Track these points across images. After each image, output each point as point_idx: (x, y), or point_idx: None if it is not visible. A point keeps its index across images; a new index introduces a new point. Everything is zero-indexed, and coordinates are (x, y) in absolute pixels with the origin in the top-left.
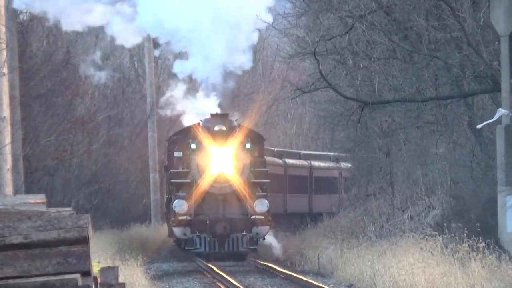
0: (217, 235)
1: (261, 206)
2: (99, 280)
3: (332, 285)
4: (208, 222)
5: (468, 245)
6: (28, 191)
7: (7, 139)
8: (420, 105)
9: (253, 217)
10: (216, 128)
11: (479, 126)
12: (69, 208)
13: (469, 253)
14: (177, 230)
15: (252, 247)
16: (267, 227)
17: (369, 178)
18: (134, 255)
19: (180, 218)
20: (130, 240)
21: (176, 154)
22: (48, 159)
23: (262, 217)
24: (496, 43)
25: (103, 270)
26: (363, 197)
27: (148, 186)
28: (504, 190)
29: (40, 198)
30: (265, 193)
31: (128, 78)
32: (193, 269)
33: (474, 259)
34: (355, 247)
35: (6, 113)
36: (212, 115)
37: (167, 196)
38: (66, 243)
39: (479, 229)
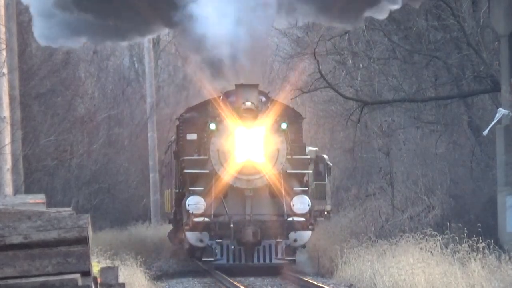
0: (244, 242)
1: (301, 205)
2: (99, 280)
3: (332, 285)
4: (232, 226)
5: (468, 245)
6: (28, 191)
7: (7, 139)
8: (420, 105)
9: (290, 219)
10: (243, 102)
11: (485, 132)
12: (69, 208)
13: (469, 253)
14: (191, 236)
15: (289, 258)
16: (308, 233)
17: (369, 178)
18: (134, 255)
19: (195, 220)
20: (130, 240)
21: (189, 136)
22: (48, 159)
23: (302, 219)
24: (496, 43)
25: (103, 270)
26: (362, 197)
27: (148, 186)
28: (503, 190)
29: (40, 198)
30: (306, 188)
31: (128, 78)
32: (193, 269)
33: (474, 259)
34: (355, 247)
35: (6, 113)
36: (237, 86)
37: (177, 190)
38: (66, 243)
39: (479, 229)
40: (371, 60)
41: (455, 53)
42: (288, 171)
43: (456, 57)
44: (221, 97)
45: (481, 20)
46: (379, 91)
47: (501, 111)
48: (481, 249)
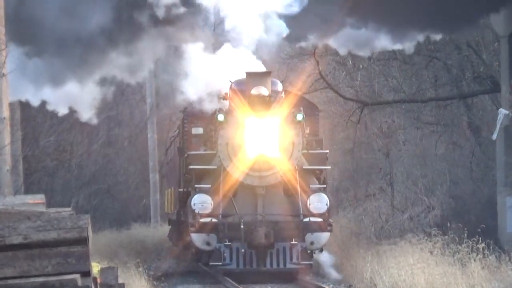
0: (255, 245)
1: (318, 203)
2: (98, 281)
3: (331, 286)
4: (242, 227)
5: (468, 245)
6: (28, 191)
7: (7, 140)
8: (419, 106)
9: (306, 219)
10: (255, 91)
11: (494, 137)
12: (69, 209)
13: (469, 254)
14: (197, 238)
15: (306, 262)
16: (326, 234)
17: (369, 179)
18: (134, 255)
19: (202, 220)
20: (130, 241)
21: (194, 130)
22: (47, 159)
23: (320, 219)
24: (496, 43)
25: (102, 270)
26: (362, 197)
27: (147, 186)
28: (503, 191)
29: (40, 198)
30: (325, 185)
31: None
32: (192, 270)
33: (474, 260)
34: (354, 247)
35: (6, 113)
36: (248, 74)
37: (182, 189)
38: (65, 244)
39: (478, 230)
40: (371, 61)
41: (455, 54)
42: (304, 167)
43: (456, 58)
44: (230, 86)
45: (481, 21)
46: (379, 92)
47: (502, 112)
48: (481, 249)
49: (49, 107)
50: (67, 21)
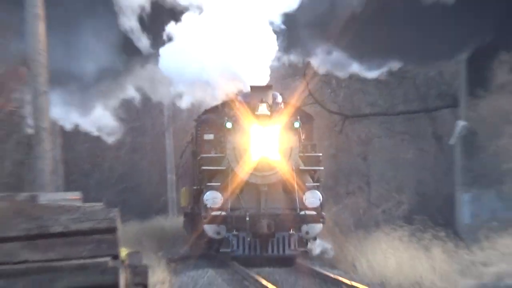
0: (259, 234)
1: (312, 199)
2: (126, 263)
3: (318, 267)
4: (247, 219)
5: (431, 234)
6: (67, 189)
7: (48, 146)
8: (392, 118)
9: (302, 212)
10: (258, 102)
11: (452, 141)
12: (101, 204)
13: (432, 241)
14: (209, 229)
15: (302, 249)
16: (319, 225)
17: (349, 179)
18: (155, 242)
19: (213, 213)
20: (152, 230)
21: (206, 136)
22: (83, 163)
23: (313, 212)
24: (456, 66)
25: (129, 254)
26: (344, 194)
27: (165, 185)
28: (460, 189)
29: (77, 195)
30: (318, 183)
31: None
32: (204, 255)
33: (436, 246)
34: (336, 236)
35: (47, 124)
36: (252, 87)
37: (195, 187)
38: (98, 232)
39: (440, 221)
40: (352, 80)
41: (422, 75)
42: (301, 167)
43: (423, 78)
44: (237, 98)
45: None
46: (358, 106)
47: (460, 123)
48: (441, 237)
49: (81, 129)
50: (85, 60)
